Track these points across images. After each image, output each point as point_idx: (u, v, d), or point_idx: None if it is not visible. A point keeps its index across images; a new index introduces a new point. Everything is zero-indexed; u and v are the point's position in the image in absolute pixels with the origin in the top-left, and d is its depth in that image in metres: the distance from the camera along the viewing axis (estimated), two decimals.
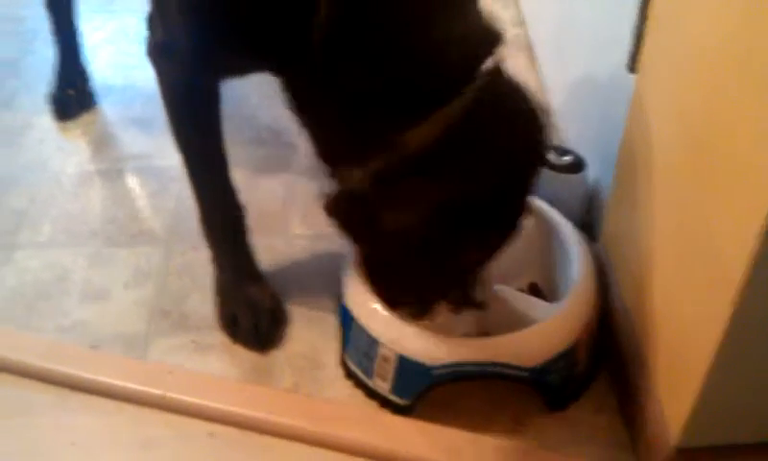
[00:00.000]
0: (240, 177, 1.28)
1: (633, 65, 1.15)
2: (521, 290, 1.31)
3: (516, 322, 1.19)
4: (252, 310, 1.29)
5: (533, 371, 1.15)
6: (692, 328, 0.98)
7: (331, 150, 1.09)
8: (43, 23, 1.83)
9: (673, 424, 1.03)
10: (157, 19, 1.14)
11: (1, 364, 1.25)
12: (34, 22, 2.08)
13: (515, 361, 1.14)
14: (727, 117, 0.88)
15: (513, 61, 1.88)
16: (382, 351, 1.16)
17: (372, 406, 1.20)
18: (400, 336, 1.15)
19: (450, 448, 1.13)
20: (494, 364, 1.14)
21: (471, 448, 1.14)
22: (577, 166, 1.41)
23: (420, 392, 1.16)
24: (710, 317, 0.92)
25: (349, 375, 1.24)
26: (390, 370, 1.16)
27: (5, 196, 1.59)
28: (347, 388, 1.23)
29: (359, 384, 1.22)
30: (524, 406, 1.20)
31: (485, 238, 1.07)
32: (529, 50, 1.92)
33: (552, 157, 1.41)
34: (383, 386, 1.18)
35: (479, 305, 1.20)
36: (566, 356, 1.16)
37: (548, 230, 1.31)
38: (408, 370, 1.15)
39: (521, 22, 2.02)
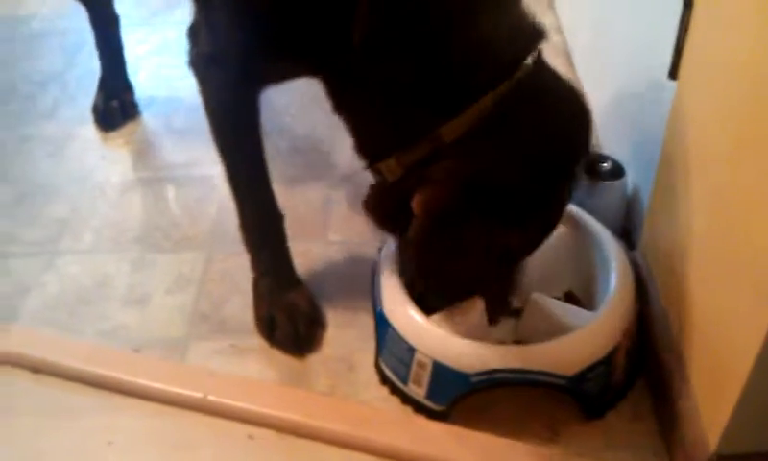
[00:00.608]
0: (278, 185, 1.29)
1: (674, 72, 1.14)
2: (557, 298, 1.30)
3: (553, 329, 1.18)
4: (289, 314, 1.30)
5: (571, 379, 1.14)
6: (733, 334, 0.97)
7: (371, 144, 1.11)
8: (86, 36, 1.88)
9: (712, 431, 1.01)
10: (203, 30, 1.17)
11: (43, 366, 1.28)
12: (77, 35, 2.13)
13: (552, 369, 1.13)
14: (767, 123, 0.87)
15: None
16: (418, 357, 1.16)
17: (406, 410, 1.20)
18: (437, 343, 1.15)
19: (484, 453, 1.13)
20: (532, 371, 1.13)
21: (505, 454, 1.13)
22: (616, 173, 1.40)
23: (455, 398, 1.16)
24: (751, 322, 0.91)
25: (384, 380, 1.24)
26: (425, 376, 1.16)
27: (48, 205, 1.62)
28: (382, 391, 1.23)
29: (394, 390, 1.22)
30: (558, 413, 1.19)
31: (521, 226, 1.06)
32: (567, 56, 1.92)
33: (591, 163, 1.41)
34: (418, 392, 1.18)
35: (515, 313, 1.19)
36: (604, 364, 1.15)
37: (585, 238, 1.30)
38: (444, 376, 1.14)
39: (559, 29, 2.02)
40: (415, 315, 1.18)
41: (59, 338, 1.33)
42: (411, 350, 1.16)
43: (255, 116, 1.21)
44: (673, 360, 1.14)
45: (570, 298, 1.32)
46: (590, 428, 1.17)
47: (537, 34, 1.04)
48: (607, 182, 1.39)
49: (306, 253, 1.44)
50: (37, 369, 1.28)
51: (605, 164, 1.41)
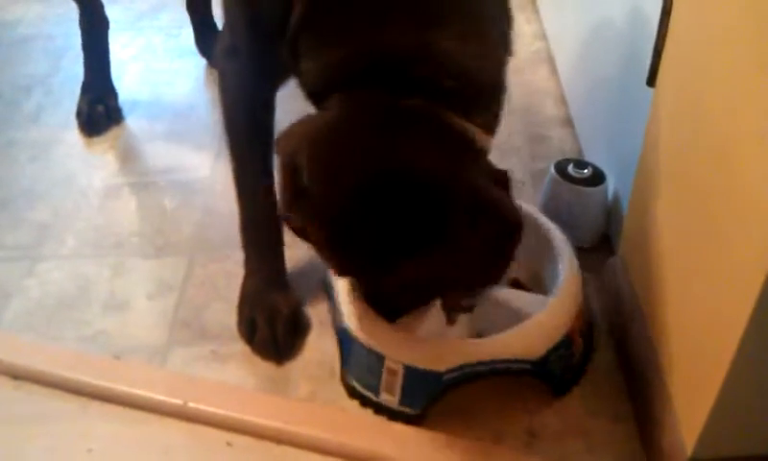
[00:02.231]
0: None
1: (651, 80, 1.15)
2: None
3: (509, 317, 1.20)
4: (270, 318, 1.30)
5: (536, 363, 1.16)
6: (709, 339, 0.98)
7: None
8: (71, 41, 1.88)
9: (688, 435, 1.02)
10: (224, 26, 1.24)
11: (23, 373, 1.27)
12: (62, 40, 2.13)
13: (519, 355, 1.16)
14: (742, 130, 0.88)
15: (534, 74, 1.92)
16: (388, 364, 1.16)
17: (381, 416, 1.20)
18: (406, 348, 1.16)
19: (464, 458, 1.13)
20: (500, 361, 1.15)
21: (486, 458, 1.13)
22: (597, 179, 1.41)
23: (429, 399, 1.17)
24: (727, 327, 0.91)
25: (353, 394, 1.22)
26: (397, 382, 1.16)
27: (30, 210, 1.62)
28: None
29: (365, 402, 1.21)
30: (538, 417, 1.19)
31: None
32: (551, 63, 1.93)
33: (572, 169, 1.42)
34: (391, 400, 1.17)
35: (469, 308, 1.21)
36: (565, 344, 1.18)
37: (528, 227, 1.31)
38: (416, 379, 1.15)
39: (543, 36, 2.04)
40: (380, 324, 1.18)
41: (39, 345, 1.32)
42: (380, 358, 1.16)
43: (269, 113, 1.24)
44: (651, 365, 1.14)
45: (517, 285, 1.33)
46: (570, 432, 1.17)
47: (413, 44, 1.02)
48: (587, 189, 1.40)
49: (291, 257, 1.43)
50: (17, 376, 1.27)
51: (585, 170, 1.42)
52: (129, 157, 1.77)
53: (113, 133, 1.82)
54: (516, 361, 1.16)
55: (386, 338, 1.17)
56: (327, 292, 1.33)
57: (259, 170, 1.28)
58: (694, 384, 1.02)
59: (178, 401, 1.21)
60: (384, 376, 1.16)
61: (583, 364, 1.26)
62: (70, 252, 1.52)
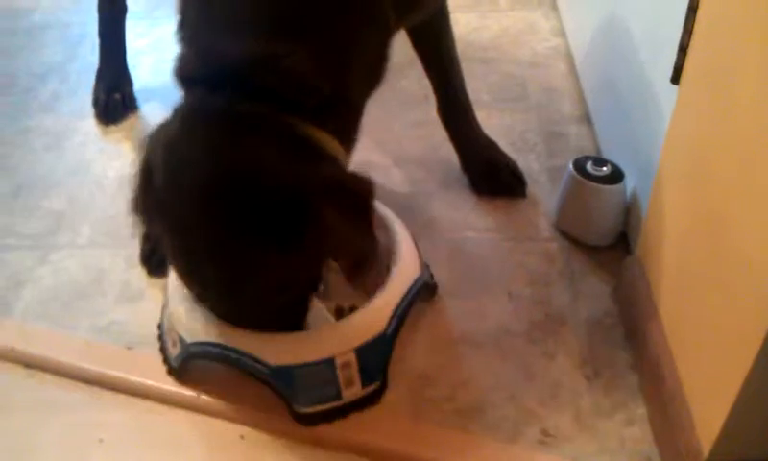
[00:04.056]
0: None
1: (676, 77, 1.14)
2: None
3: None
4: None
5: (421, 277, 1.25)
6: (728, 342, 0.96)
7: None
8: (88, 29, 1.88)
9: (705, 438, 1.01)
10: None
11: (36, 362, 1.28)
12: (78, 28, 2.13)
13: (416, 274, 1.25)
14: None
15: (552, 71, 1.91)
16: (340, 361, 1.14)
17: (402, 415, 1.19)
18: (351, 332, 1.17)
19: (478, 457, 1.13)
20: (414, 284, 1.23)
21: (499, 458, 1.13)
22: (615, 177, 1.40)
23: (387, 361, 1.20)
24: (747, 330, 0.90)
25: (315, 420, 1.17)
26: (353, 370, 1.16)
27: (45, 198, 1.62)
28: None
29: (329, 415, 1.17)
30: (551, 417, 1.18)
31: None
32: (569, 59, 1.92)
33: (590, 167, 1.41)
34: (355, 390, 1.17)
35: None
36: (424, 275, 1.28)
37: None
38: (369, 353, 1.17)
39: (562, 32, 2.02)
40: (311, 336, 1.18)
41: (52, 334, 1.33)
42: (330, 362, 1.14)
43: None
44: (667, 366, 1.13)
45: None
46: (585, 433, 1.16)
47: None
48: (606, 186, 1.39)
49: None
50: (30, 364, 1.28)
51: (604, 168, 1.40)
52: None
53: (129, 122, 1.82)
54: (417, 280, 1.25)
55: (329, 339, 1.17)
56: (225, 356, 1.18)
57: None
58: (712, 386, 1.01)
59: (191, 393, 1.21)
60: (340, 375, 1.15)
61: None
62: (85, 241, 1.52)
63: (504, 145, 1.61)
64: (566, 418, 1.18)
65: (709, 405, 1.01)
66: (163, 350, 1.26)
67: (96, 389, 1.23)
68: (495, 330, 1.31)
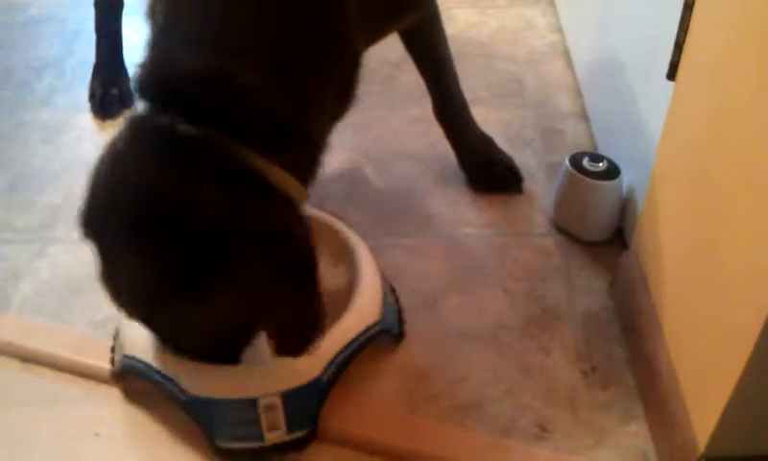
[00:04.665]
0: None
1: (672, 74, 1.14)
2: None
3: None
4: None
5: (382, 320, 1.20)
6: (724, 337, 0.97)
7: None
8: (84, 24, 1.87)
9: (701, 433, 1.01)
10: None
11: (32, 356, 1.28)
12: (75, 23, 2.12)
13: (370, 321, 1.19)
14: (766, 129, 0.86)
15: (549, 67, 1.91)
16: (264, 403, 1.08)
17: (396, 407, 1.20)
18: (277, 375, 1.11)
19: (474, 451, 1.13)
20: (362, 333, 1.17)
21: (495, 452, 1.13)
22: (612, 173, 1.40)
23: (318, 409, 1.13)
24: (743, 326, 0.90)
25: (231, 456, 1.13)
26: (278, 415, 1.09)
27: (41, 193, 1.61)
28: (373, 388, 1.23)
29: (249, 454, 1.12)
30: (548, 412, 1.19)
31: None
32: (566, 56, 1.92)
33: (587, 163, 1.41)
34: (279, 434, 1.10)
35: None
36: (387, 295, 1.25)
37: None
38: (298, 399, 1.10)
39: (559, 29, 2.02)
40: (238, 372, 1.13)
41: (48, 328, 1.32)
42: (253, 403, 1.08)
43: None
44: (664, 361, 1.14)
45: None
46: (582, 429, 1.17)
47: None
48: (602, 182, 1.39)
49: None
50: (27, 358, 1.28)
51: (601, 164, 1.40)
52: None
53: (125, 117, 1.81)
54: (369, 329, 1.18)
55: (246, 379, 1.12)
56: (149, 375, 1.15)
57: None
58: (708, 382, 1.01)
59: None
60: (263, 417, 1.09)
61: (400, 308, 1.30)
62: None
63: (501, 141, 1.61)
64: (563, 413, 1.18)
65: (706, 401, 1.01)
66: (112, 350, 1.24)
67: (93, 383, 1.23)
68: (492, 326, 1.31)
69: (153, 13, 1.06)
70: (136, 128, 1.00)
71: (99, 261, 1.04)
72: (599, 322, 1.31)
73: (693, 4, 1.06)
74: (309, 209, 1.30)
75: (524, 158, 1.62)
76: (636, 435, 1.16)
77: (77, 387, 1.24)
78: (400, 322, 1.29)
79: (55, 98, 1.88)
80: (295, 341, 1.07)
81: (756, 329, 0.87)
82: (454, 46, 1.51)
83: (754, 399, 0.94)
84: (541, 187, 1.57)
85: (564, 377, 1.23)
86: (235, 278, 0.95)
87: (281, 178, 1.01)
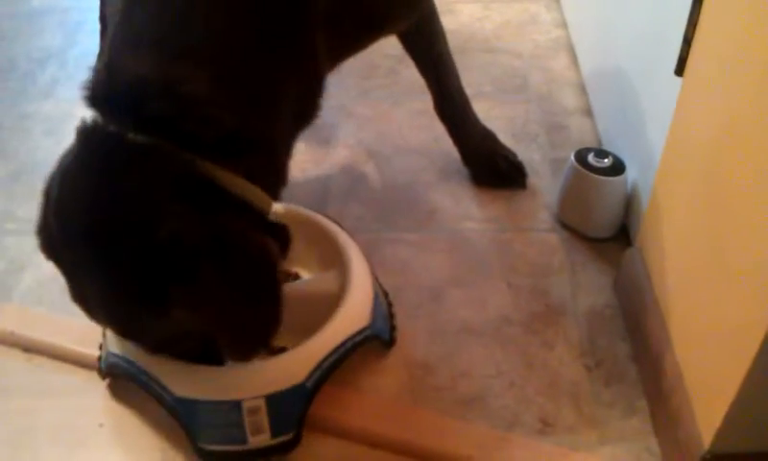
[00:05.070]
0: None
1: (680, 69, 1.13)
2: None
3: (320, 301, 1.20)
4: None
5: (371, 325, 1.18)
6: (730, 334, 0.96)
7: None
8: (87, 15, 1.86)
9: (706, 429, 1.01)
10: None
11: (35, 346, 1.28)
12: (78, 14, 2.12)
13: (359, 325, 1.17)
14: None
15: (554, 63, 1.91)
16: (247, 406, 1.07)
17: (401, 400, 1.20)
18: (261, 378, 1.10)
19: (477, 445, 1.13)
20: (348, 339, 1.15)
21: (498, 446, 1.13)
22: (617, 169, 1.40)
23: (303, 414, 1.11)
24: (749, 323, 0.90)
25: (213, 458, 1.11)
26: (262, 418, 1.08)
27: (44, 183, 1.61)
28: (377, 380, 1.22)
29: (230, 457, 1.10)
30: (551, 407, 1.19)
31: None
32: (571, 51, 1.92)
33: (592, 159, 1.40)
34: (263, 438, 1.08)
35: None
36: (378, 299, 1.22)
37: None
38: (282, 403, 1.09)
39: (564, 24, 2.02)
40: (222, 374, 1.11)
41: (51, 318, 1.32)
42: (236, 405, 1.07)
43: None
44: (668, 357, 1.13)
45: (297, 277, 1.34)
46: (585, 423, 1.17)
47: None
48: (607, 178, 1.39)
49: None
50: (29, 348, 1.28)
51: (606, 160, 1.40)
52: None
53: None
54: (358, 333, 1.16)
55: (230, 381, 1.10)
56: (134, 375, 1.14)
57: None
58: (713, 378, 1.01)
59: None
60: (247, 420, 1.07)
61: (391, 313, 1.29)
62: None
63: (506, 136, 1.61)
64: (566, 408, 1.18)
65: (710, 397, 1.01)
66: (100, 347, 1.23)
67: (95, 374, 1.23)
68: (496, 320, 1.31)
69: (110, 15, 1.02)
70: (86, 139, 0.96)
71: (66, 281, 1.03)
72: (603, 318, 1.31)
73: None
74: (302, 210, 1.32)
75: (529, 154, 1.62)
76: (639, 431, 1.16)
77: (79, 378, 1.24)
78: (391, 328, 1.27)
79: (57, 89, 1.88)
80: (246, 347, 1.04)
81: (762, 326, 0.87)
82: (458, 40, 1.51)
83: (760, 395, 0.94)
84: (546, 183, 1.57)
85: (567, 373, 1.23)
86: (191, 290, 0.93)
87: (240, 186, 0.98)
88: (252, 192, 1.00)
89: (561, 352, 1.26)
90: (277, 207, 1.20)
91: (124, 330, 1.05)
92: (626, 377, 1.23)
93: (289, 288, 1.18)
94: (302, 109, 1.10)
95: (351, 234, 1.31)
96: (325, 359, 1.11)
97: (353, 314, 1.18)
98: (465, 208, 1.53)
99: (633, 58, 1.47)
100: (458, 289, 1.37)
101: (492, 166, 1.56)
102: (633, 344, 1.26)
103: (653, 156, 1.25)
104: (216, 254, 0.93)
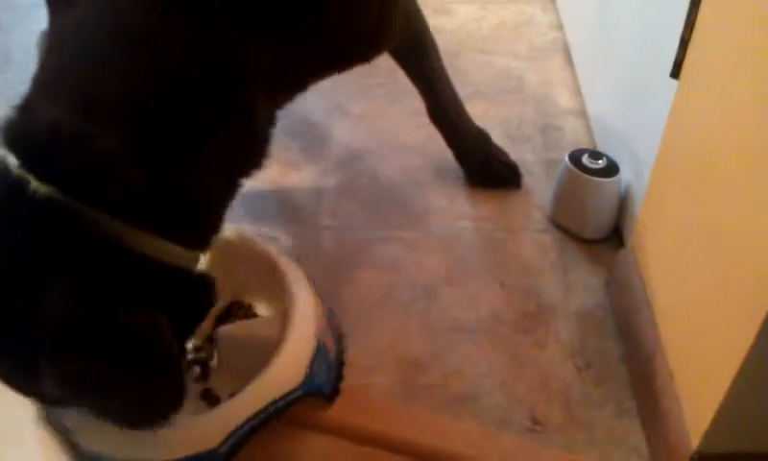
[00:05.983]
0: (272, 168, 1.29)
1: (676, 72, 1.14)
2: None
3: (258, 346, 1.13)
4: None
5: (304, 384, 1.10)
6: (720, 336, 0.97)
7: None
8: None
9: (694, 429, 1.01)
10: None
11: None
12: None
13: (287, 388, 1.09)
14: None
15: (549, 64, 1.91)
16: None
17: (391, 398, 1.20)
18: (171, 443, 1.03)
19: (467, 443, 1.13)
20: (270, 404, 1.07)
21: (488, 444, 1.13)
22: (611, 171, 1.40)
23: None
24: (739, 324, 0.91)
25: None
26: None
27: None
28: (369, 378, 1.23)
29: None
30: (541, 407, 1.19)
31: None
32: (566, 53, 1.92)
33: (586, 160, 1.41)
34: None
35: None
36: (321, 351, 1.14)
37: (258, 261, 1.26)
38: None
39: (560, 26, 2.02)
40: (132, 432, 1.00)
41: None
42: None
43: None
44: (658, 358, 1.14)
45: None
46: (574, 423, 1.17)
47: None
48: (601, 179, 1.39)
49: (297, 236, 1.43)
50: None
51: (600, 161, 1.41)
52: None
53: None
54: (285, 396, 1.08)
55: (143, 439, 1.01)
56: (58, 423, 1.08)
57: None
58: (703, 379, 1.02)
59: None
60: None
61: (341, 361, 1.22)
62: None
63: (501, 137, 1.62)
64: (556, 407, 1.19)
65: (700, 398, 1.01)
66: None
67: None
68: (487, 319, 1.32)
69: (43, 57, 0.95)
70: None
71: None
72: (594, 319, 1.32)
73: (700, 0, 1.06)
74: (256, 241, 1.27)
75: (523, 154, 1.62)
76: (628, 431, 1.16)
77: None
78: (339, 377, 1.19)
79: None
80: (143, 423, 0.98)
81: (754, 328, 0.88)
82: (454, 41, 1.51)
83: (749, 396, 0.95)
84: (540, 183, 1.57)
85: (558, 373, 1.24)
86: (55, 369, 0.87)
87: (151, 246, 0.91)
88: (167, 251, 0.93)
89: (552, 352, 1.26)
90: (231, 236, 1.20)
91: (11, 386, 0.96)
92: (616, 378, 1.23)
93: (231, 330, 1.19)
94: (242, 159, 1.03)
95: (305, 269, 1.24)
96: (243, 425, 1.04)
97: (282, 374, 1.09)
98: (459, 208, 1.53)
99: (628, 60, 1.47)
100: (451, 288, 1.37)
101: (486, 167, 1.57)
102: (623, 345, 1.27)
103: (647, 158, 1.25)
104: (85, 331, 0.86)
